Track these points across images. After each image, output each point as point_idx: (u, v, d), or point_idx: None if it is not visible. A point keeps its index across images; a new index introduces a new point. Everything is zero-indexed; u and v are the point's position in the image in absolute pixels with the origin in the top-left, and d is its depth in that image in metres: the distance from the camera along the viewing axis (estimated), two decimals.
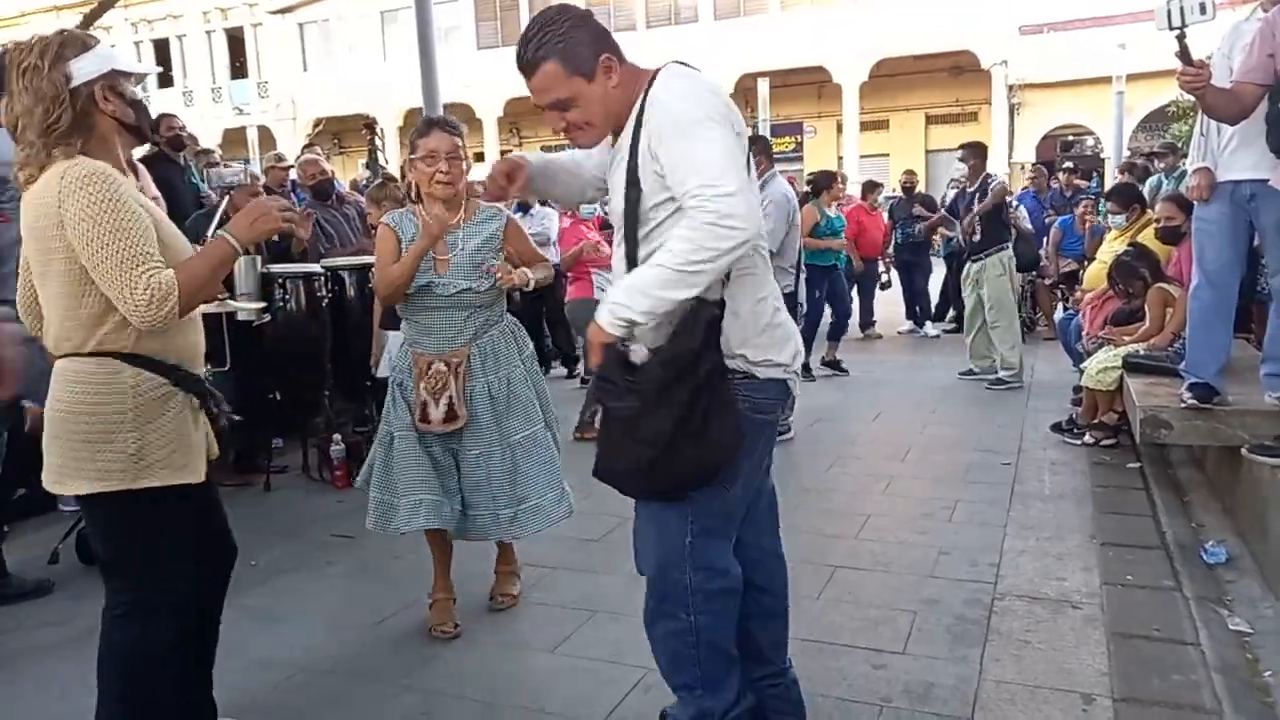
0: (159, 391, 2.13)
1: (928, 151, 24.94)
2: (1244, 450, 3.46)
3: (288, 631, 3.25)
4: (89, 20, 12.68)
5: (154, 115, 2.27)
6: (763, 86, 17.43)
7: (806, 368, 7.35)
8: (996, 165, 16.72)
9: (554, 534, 3.70)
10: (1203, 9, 3.07)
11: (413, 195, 3.13)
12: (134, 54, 24.14)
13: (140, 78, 2.23)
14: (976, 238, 7.15)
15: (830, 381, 7.35)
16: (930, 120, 25.73)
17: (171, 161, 6.20)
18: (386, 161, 9.51)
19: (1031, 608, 3.25)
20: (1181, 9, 3.09)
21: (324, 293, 5.25)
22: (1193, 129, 3.99)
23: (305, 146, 8.57)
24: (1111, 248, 6.30)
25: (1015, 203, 9.33)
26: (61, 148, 2.03)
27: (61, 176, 2.00)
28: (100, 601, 2.15)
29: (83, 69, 2.05)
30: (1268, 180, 3.36)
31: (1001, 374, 6.97)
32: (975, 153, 7.39)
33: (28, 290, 2.23)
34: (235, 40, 31.49)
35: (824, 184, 7.74)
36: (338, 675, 2.94)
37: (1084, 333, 5.95)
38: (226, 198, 5.77)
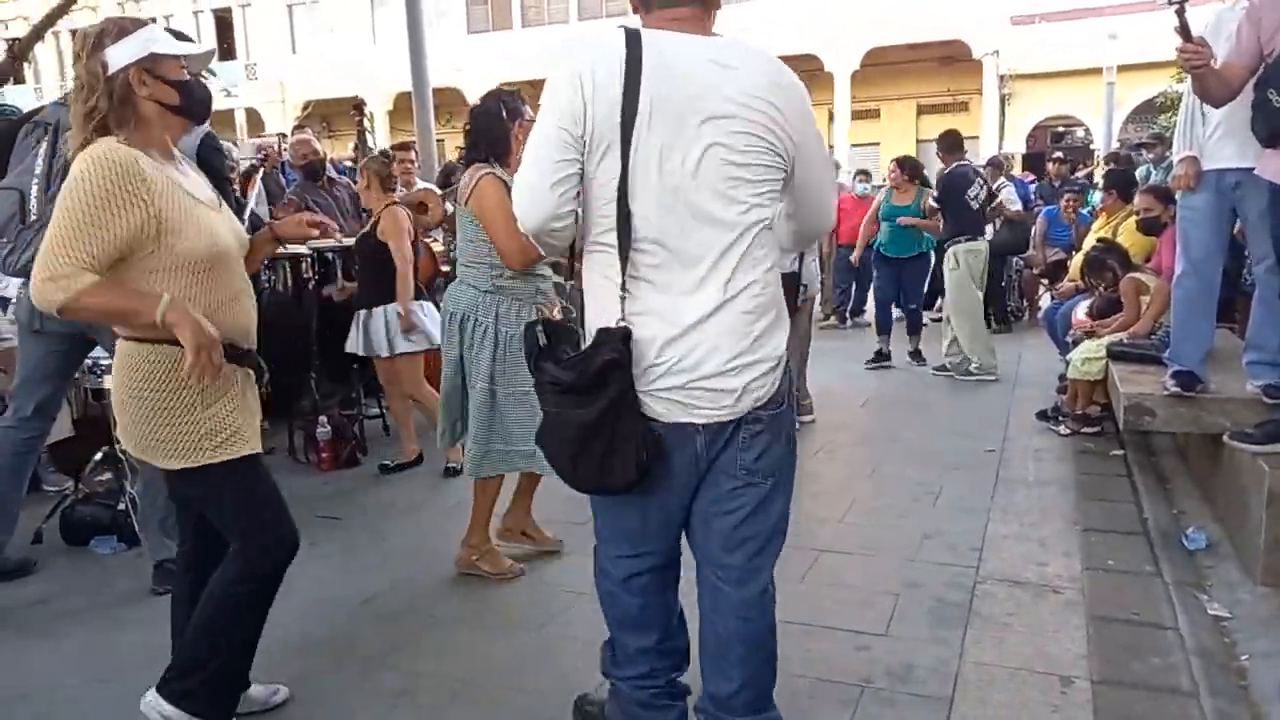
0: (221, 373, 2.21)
1: (919, 141, 24.94)
2: (1225, 437, 3.48)
3: (270, 610, 3.23)
4: (45, 24, 12.49)
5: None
6: None
7: (882, 355, 7.47)
8: (986, 155, 16.75)
9: (543, 517, 3.72)
10: None
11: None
12: None
13: (192, 59, 2.27)
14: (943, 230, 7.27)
15: (818, 369, 7.34)
16: (921, 110, 25.74)
17: None
18: (375, 145, 9.46)
19: (1013, 591, 3.27)
20: None
21: (310, 275, 5.24)
22: (1178, 120, 4.00)
23: (295, 128, 8.53)
24: (1096, 238, 6.34)
25: (1003, 184, 9.31)
26: (115, 131, 2.11)
27: (86, 152, 2.09)
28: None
29: (119, 55, 2.12)
30: (1253, 169, 3.37)
31: (970, 367, 6.98)
32: (942, 145, 7.38)
33: None
34: (223, 21, 31.21)
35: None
36: (319, 653, 2.95)
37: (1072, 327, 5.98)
38: (260, 173, 5.77)
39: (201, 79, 2.35)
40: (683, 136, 1.76)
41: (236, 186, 5.43)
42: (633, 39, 1.76)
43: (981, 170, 7.63)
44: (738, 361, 1.83)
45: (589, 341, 1.84)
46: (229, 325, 2.26)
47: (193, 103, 2.27)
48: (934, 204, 7.28)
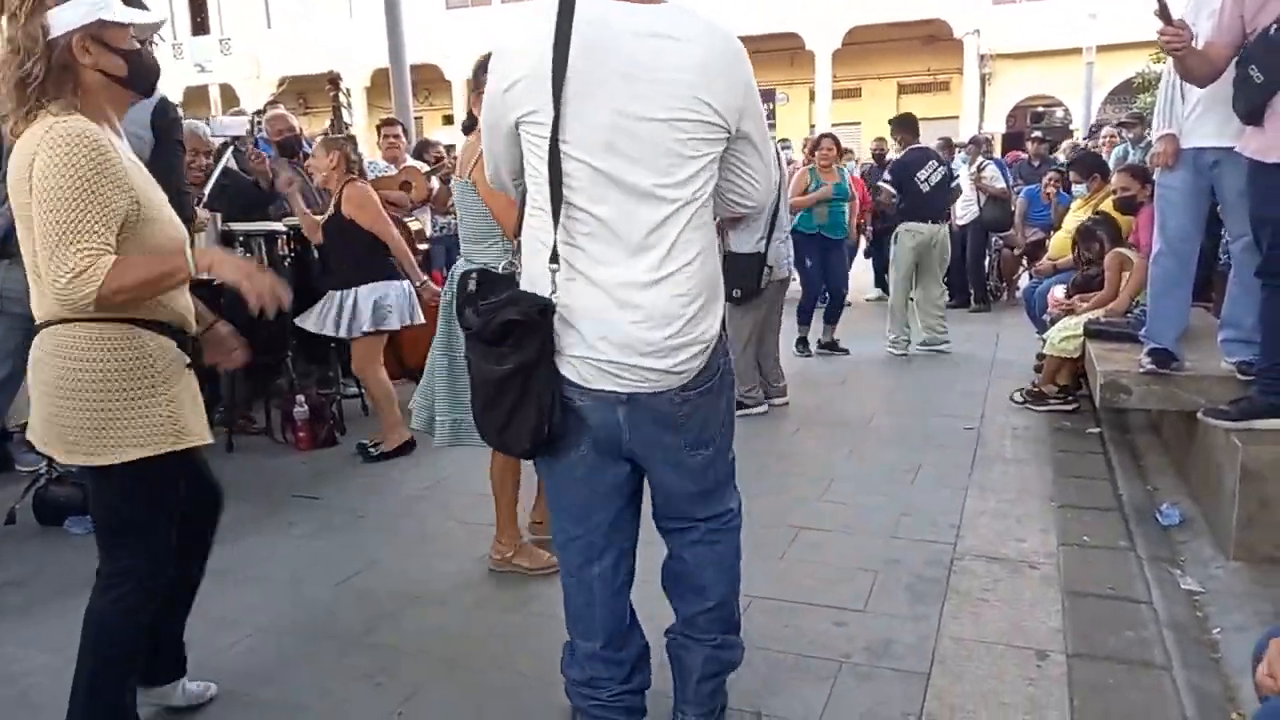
0: (175, 353, 2.11)
1: None
2: (1200, 414, 3.51)
3: (248, 591, 3.22)
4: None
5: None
6: None
7: (803, 342, 7.21)
8: (966, 135, 16.78)
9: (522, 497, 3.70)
10: None
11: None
12: None
13: (141, 28, 2.10)
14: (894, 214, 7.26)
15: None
16: (902, 89, 25.71)
17: None
18: (351, 121, 9.32)
19: (990, 567, 3.30)
20: None
21: (286, 251, 5.18)
22: (1157, 98, 4.00)
23: (268, 104, 8.39)
24: (1076, 216, 6.37)
25: (984, 162, 9.32)
26: (50, 102, 1.95)
27: (47, 130, 1.91)
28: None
29: (62, 19, 1.95)
30: (1232, 148, 3.38)
31: (887, 337, 7.18)
32: (899, 127, 7.37)
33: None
34: None
35: (813, 148, 7.54)
36: (298, 634, 2.93)
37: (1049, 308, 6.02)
38: (231, 149, 5.64)
39: (150, 49, 2.19)
40: (616, 108, 1.74)
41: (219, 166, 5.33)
42: (565, 10, 1.74)
43: (939, 153, 7.59)
44: (668, 343, 1.84)
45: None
46: (177, 311, 2.16)
47: (140, 74, 2.11)
48: (888, 185, 7.25)
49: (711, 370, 1.96)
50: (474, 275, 1.99)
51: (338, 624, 3.00)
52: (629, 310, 1.81)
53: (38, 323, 2.06)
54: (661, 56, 1.73)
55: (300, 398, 4.98)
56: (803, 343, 7.26)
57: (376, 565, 3.45)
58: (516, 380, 1.84)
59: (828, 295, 7.35)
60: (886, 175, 7.29)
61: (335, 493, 4.29)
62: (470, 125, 3.27)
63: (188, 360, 2.16)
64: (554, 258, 1.81)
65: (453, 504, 4.05)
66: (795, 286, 8.06)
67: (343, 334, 4.62)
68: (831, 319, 7.36)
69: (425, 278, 4.75)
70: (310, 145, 6.91)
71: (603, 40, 1.73)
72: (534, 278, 1.87)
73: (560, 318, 1.84)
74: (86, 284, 1.88)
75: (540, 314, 1.81)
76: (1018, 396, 5.51)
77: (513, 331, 1.81)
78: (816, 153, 7.22)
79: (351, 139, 4.84)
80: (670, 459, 1.99)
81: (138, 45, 2.10)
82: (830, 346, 7.34)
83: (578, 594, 2.12)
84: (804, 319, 7.27)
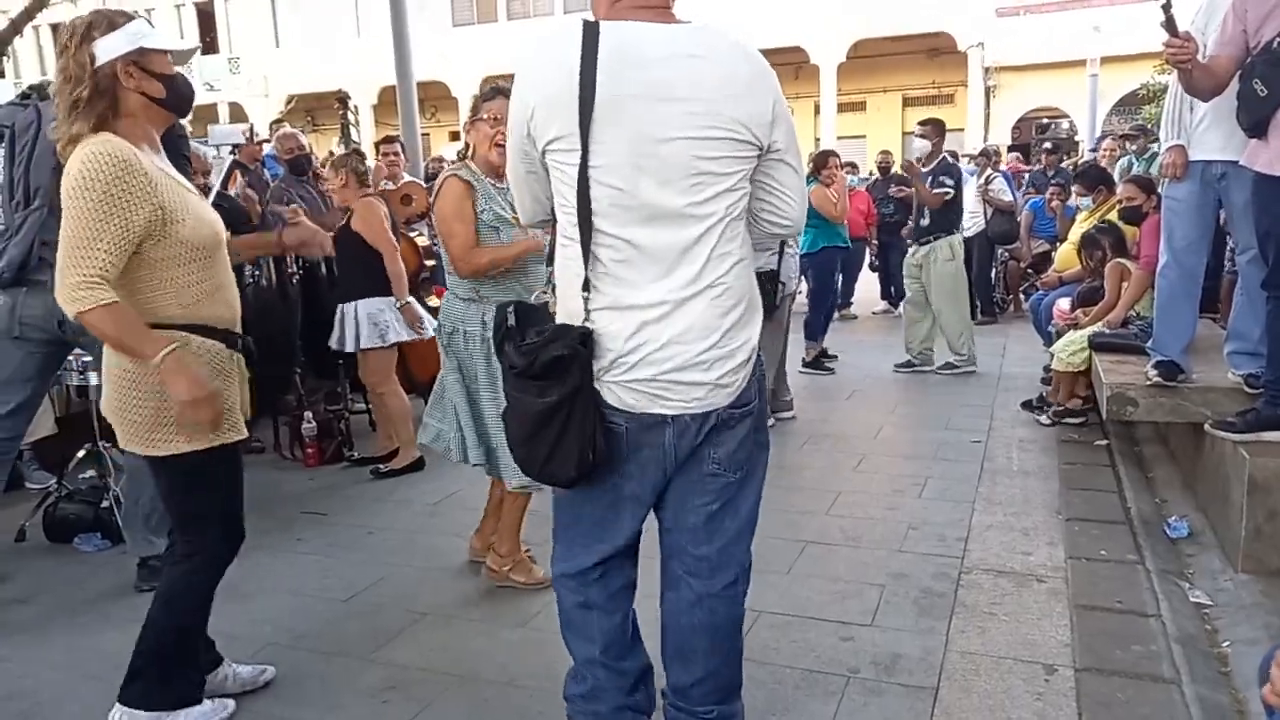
0: (224, 353, 2.31)
1: (904, 133, 24.97)
2: (1207, 426, 3.51)
3: (256, 608, 3.23)
4: (24, 18, 12.35)
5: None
6: None
7: (818, 360, 7.14)
8: (972, 147, 16.78)
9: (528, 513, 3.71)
10: None
11: (468, 155, 3.25)
12: None
13: (178, 54, 2.31)
14: (925, 222, 6.93)
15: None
16: (907, 102, 25.75)
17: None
18: (359, 139, 9.40)
19: (998, 581, 3.30)
20: None
21: (294, 269, 5.21)
22: (1163, 109, 4.01)
23: (274, 122, 8.47)
24: (1082, 229, 6.37)
25: (992, 175, 9.30)
26: (89, 123, 2.14)
27: (84, 147, 2.12)
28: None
29: (108, 47, 2.16)
30: (1238, 161, 3.38)
31: (951, 359, 6.90)
32: (935, 130, 7.04)
33: None
34: (205, 15, 30.92)
35: (819, 164, 7.29)
36: (306, 650, 2.94)
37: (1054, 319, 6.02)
38: (232, 156, 5.69)
39: (185, 74, 2.38)
40: (645, 131, 1.73)
41: (218, 181, 5.37)
42: (590, 33, 1.73)
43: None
44: (707, 355, 1.83)
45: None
46: (224, 310, 2.35)
47: (177, 97, 2.33)
48: (949, 191, 6.92)
49: (752, 391, 1.94)
50: (512, 309, 1.96)
51: (346, 640, 3.00)
52: (666, 328, 1.80)
53: None
54: (684, 75, 1.72)
55: (308, 414, 5.00)
56: (817, 360, 7.18)
57: (384, 581, 3.45)
58: (560, 411, 1.81)
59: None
60: (947, 180, 6.87)
61: (343, 509, 4.31)
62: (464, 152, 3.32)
63: (238, 358, 2.37)
64: (586, 285, 1.81)
65: (459, 520, 4.05)
66: (800, 300, 8.12)
67: (349, 348, 4.68)
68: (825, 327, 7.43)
69: (410, 299, 4.72)
70: (319, 162, 6.96)
71: (625, 62, 1.72)
72: (570, 310, 1.86)
73: (599, 345, 1.82)
74: (75, 303, 2.07)
75: (582, 343, 1.81)
76: (1044, 420, 5.40)
77: (556, 366, 1.80)
78: (823, 170, 7.19)
79: (357, 153, 4.89)
80: (702, 485, 1.95)
81: (174, 70, 2.30)
82: (827, 356, 7.35)
83: (570, 599, 2.07)
84: (815, 334, 7.22)
